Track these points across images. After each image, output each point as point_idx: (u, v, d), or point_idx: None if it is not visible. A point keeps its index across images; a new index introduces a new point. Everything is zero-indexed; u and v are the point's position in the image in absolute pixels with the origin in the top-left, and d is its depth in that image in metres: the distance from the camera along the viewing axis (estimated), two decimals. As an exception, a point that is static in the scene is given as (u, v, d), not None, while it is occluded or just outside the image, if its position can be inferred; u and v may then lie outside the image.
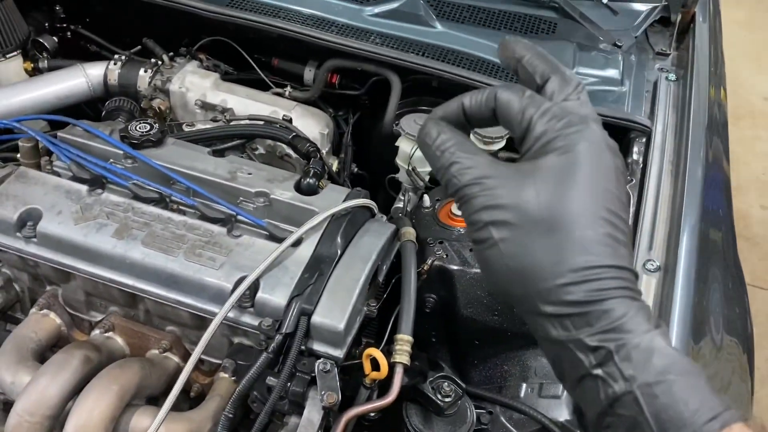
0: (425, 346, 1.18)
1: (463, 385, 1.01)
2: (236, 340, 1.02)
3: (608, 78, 1.39)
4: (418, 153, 1.32)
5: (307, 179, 1.12)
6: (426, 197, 1.25)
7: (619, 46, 1.48)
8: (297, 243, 1.02)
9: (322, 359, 0.92)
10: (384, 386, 0.94)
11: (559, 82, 0.61)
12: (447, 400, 0.99)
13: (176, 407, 1.05)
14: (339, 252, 1.02)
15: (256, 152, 1.37)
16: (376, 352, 0.93)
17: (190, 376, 1.07)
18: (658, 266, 1.05)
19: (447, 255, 1.12)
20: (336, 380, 0.91)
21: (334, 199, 1.10)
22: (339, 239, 1.03)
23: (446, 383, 1.00)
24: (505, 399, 1.08)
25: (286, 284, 0.97)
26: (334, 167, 1.47)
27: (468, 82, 1.33)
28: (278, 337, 0.92)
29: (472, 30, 1.50)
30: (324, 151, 1.40)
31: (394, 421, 1.02)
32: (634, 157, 1.26)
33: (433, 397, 0.99)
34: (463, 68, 1.37)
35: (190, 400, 1.06)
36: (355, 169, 1.51)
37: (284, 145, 1.34)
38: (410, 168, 1.34)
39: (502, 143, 1.34)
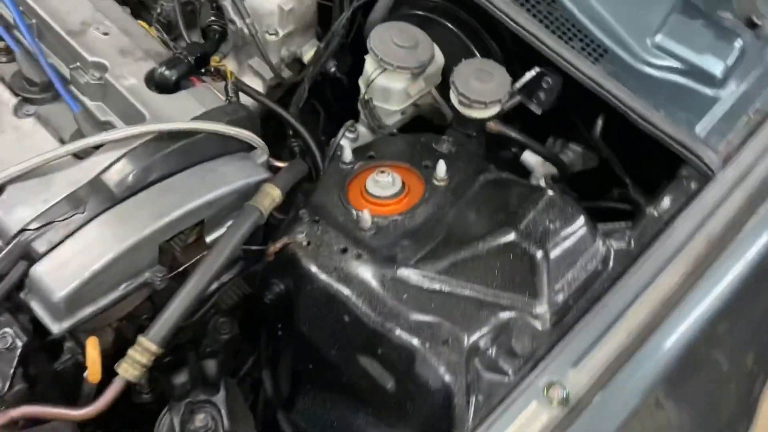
0: (270, 334, 0.89)
1: (226, 425, 0.72)
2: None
3: (702, 71, 0.87)
4: (380, 81, 0.94)
5: (162, 68, 0.80)
6: (347, 150, 0.88)
7: (756, 26, 0.94)
8: (89, 154, 0.73)
9: (8, 329, 0.65)
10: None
11: None
12: (196, 436, 0.71)
13: None
14: (135, 187, 0.72)
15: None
16: (91, 347, 0.66)
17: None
18: (566, 397, 0.66)
19: (310, 243, 0.78)
20: (12, 364, 0.65)
21: (185, 110, 0.78)
22: (141, 170, 0.72)
23: (203, 415, 0.72)
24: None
25: (32, 206, 0.70)
26: (306, 57, 1.10)
27: None
28: (-20, 274, 0.66)
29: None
30: (281, 33, 1.03)
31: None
32: (662, 210, 0.80)
33: (176, 428, 0.71)
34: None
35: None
36: (333, 69, 1.12)
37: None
38: (366, 98, 0.97)
39: (496, 109, 0.92)
